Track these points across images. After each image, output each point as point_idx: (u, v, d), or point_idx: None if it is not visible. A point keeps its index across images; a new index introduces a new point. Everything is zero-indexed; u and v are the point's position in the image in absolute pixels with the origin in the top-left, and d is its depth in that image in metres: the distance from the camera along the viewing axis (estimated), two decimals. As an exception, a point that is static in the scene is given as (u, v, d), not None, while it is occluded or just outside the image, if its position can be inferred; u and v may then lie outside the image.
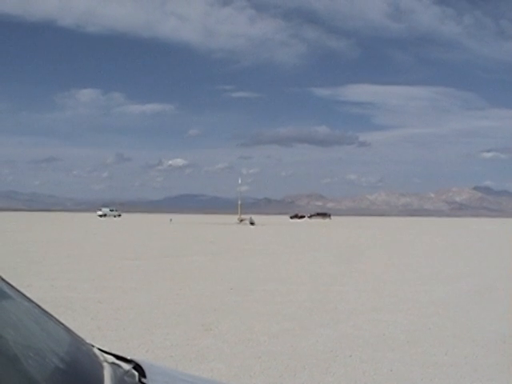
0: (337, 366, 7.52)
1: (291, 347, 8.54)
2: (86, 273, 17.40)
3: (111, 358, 2.01)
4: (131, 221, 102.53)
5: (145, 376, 1.86)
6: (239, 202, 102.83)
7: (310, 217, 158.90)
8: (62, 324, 2.03)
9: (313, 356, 8.03)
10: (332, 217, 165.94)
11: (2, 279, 1.98)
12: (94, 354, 1.99)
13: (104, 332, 8.88)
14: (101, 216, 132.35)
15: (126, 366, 1.95)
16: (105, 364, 1.91)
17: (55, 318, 2.03)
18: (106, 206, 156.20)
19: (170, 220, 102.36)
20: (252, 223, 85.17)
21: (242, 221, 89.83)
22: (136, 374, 1.89)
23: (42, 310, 2.02)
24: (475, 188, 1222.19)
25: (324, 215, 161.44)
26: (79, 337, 2.04)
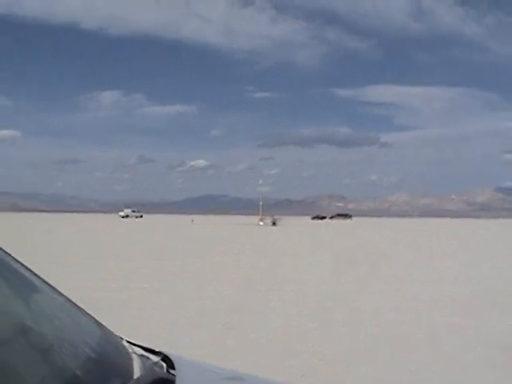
0: (358, 365, 7.54)
1: (313, 347, 8.57)
2: (109, 273, 17.51)
3: (140, 350, 2.06)
4: (153, 222, 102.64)
5: (173, 368, 1.90)
6: (261, 203, 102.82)
7: (332, 218, 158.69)
8: (92, 317, 2.09)
9: (335, 355, 8.07)
10: (353, 218, 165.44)
11: (35, 274, 2.04)
12: (123, 346, 2.04)
13: (128, 331, 8.94)
14: (123, 217, 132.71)
15: (155, 358, 1.99)
16: (134, 356, 1.96)
17: (85, 312, 2.09)
18: (128, 207, 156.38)
19: (192, 221, 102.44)
20: (274, 223, 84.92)
21: (263, 220, 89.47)
22: (164, 365, 1.93)
23: (73, 303, 2.08)
24: (496, 189, 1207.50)
25: (345, 216, 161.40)
26: (108, 329, 2.09)
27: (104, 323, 2.12)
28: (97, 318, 2.12)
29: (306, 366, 7.41)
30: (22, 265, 2.01)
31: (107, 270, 18.21)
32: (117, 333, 2.18)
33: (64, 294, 2.10)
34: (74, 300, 2.11)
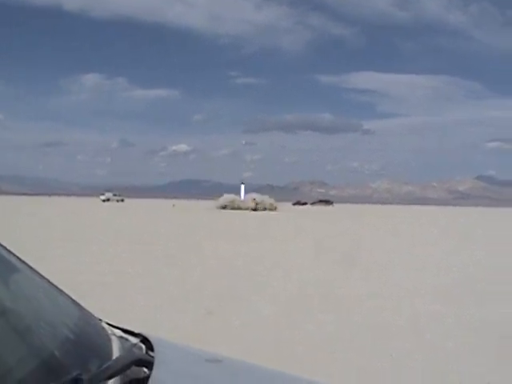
0: (341, 352, 7.57)
1: (295, 331, 8.59)
2: (92, 257, 17.43)
3: (119, 332, 2.03)
4: (135, 206, 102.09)
5: (152, 349, 1.87)
6: (242, 188, 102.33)
7: (313, 204, 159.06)
8: (71, 298, 2.06)
9: (317, 341, 8.08)
10: (334, 204, 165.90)
11: (14, 254, 2.00)
12: (102, 328, 2.01)
13: (109, 314, 8.89)
14: (104, 201, 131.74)
15: (134, 340, 1.97)
16: (112, 337, 1.94)
17: (64, 293, 2.06)
18: (109, 190, 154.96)
19: (173, 205, 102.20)
20: (254, 209, 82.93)
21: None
22: (143, 346, 1.90)
23: (52, 284, 2.04)
24: (478, 177, 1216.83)
25: (326, 202, 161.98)
26: (87, 311, 2.06)
27: (88, 307, 2.09)
28: (81, 301, 2.08)
29: (287, 351, 7.40)
30: (1, 245, 1.97)
31: (90, 254, 18.13)
32: (101, 316, 2.15)
33: (47, 276, 2.07)
34: (57, 283, 2.07)
